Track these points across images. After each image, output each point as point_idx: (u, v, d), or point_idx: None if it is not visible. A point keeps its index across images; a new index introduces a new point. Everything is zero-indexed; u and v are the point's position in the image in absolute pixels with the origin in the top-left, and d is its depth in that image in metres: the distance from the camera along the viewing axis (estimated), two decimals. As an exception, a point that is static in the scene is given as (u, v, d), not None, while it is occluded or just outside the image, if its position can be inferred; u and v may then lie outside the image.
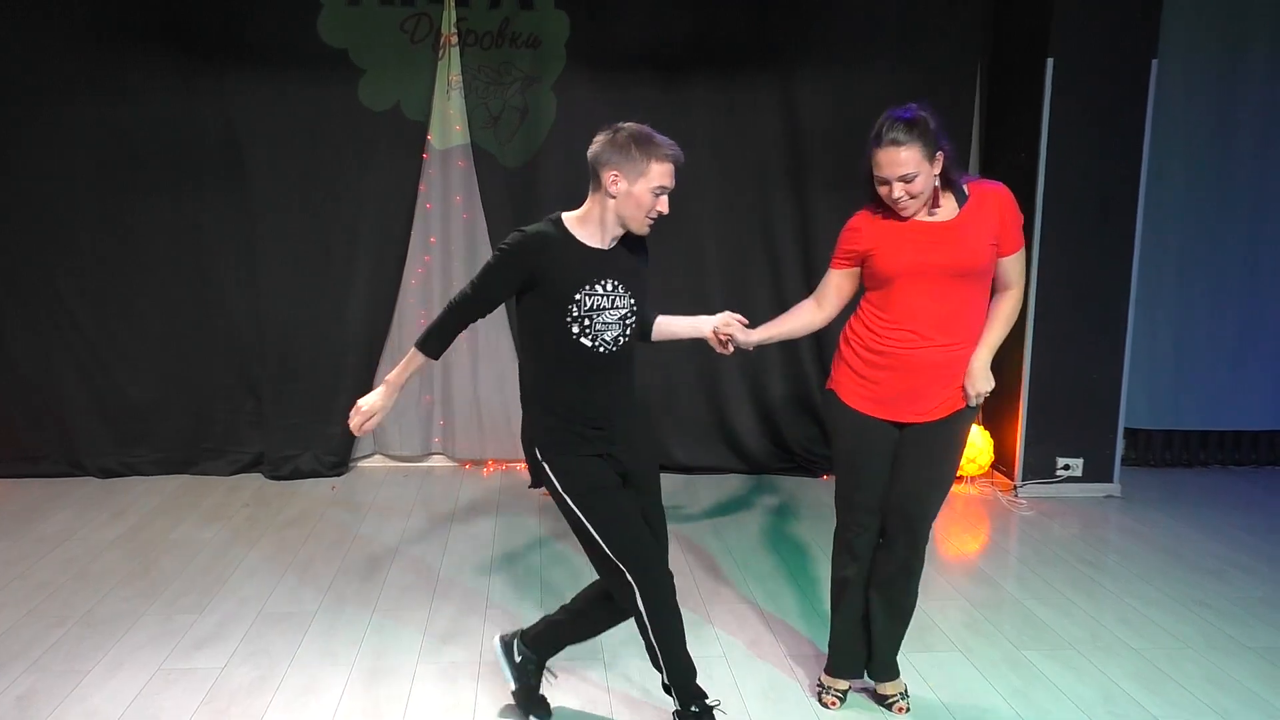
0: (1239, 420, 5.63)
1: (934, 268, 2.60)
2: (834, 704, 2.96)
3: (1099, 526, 4.68)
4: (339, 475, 5.30)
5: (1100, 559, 4.24)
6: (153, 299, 5.12)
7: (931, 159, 2.54)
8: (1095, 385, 5.02)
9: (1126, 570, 4.10)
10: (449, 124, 5.19)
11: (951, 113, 5.17)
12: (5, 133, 4.90)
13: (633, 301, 2.56)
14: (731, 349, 2.84)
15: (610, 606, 2.68)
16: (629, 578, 2.51)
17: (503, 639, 2.90)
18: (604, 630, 2.83)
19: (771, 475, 5.40)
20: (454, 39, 5.06)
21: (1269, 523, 4.72)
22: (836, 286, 2.83)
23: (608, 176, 2.44)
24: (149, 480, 5.14)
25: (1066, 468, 5.10)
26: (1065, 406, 4.99)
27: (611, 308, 2.51)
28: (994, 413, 5.22)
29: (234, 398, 5.26)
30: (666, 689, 2.67)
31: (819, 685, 3.01)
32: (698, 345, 2.95)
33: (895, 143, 2.50)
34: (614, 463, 2.59)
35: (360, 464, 5.51)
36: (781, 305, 5.38)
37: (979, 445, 5.14)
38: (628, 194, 2.44)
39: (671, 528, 4.78)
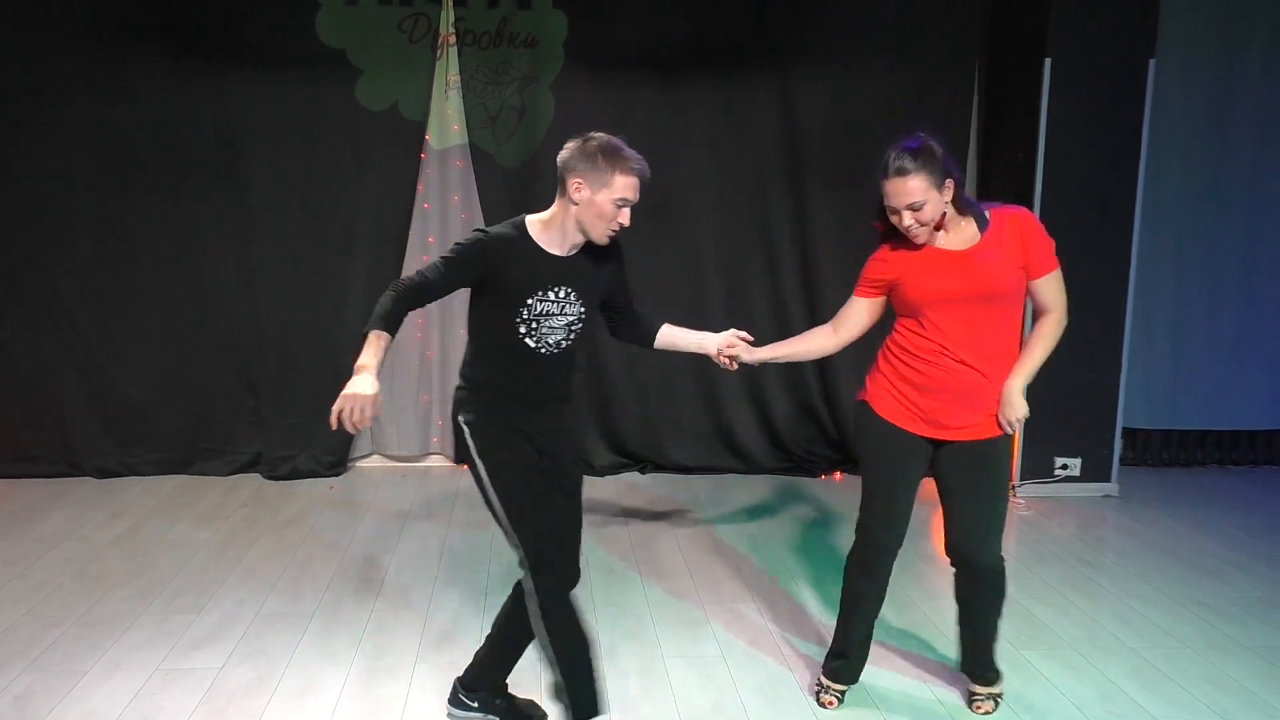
0: (1237, 420, 5.63)
1: (959, 294, 2.64)
2: (832, 704, 2.97)
3: (1097, 526, 4.68)
4: (337, 475, 5.30)
5: (1098, 559, 4.24)
6: (152, 299, 5.12)
7: (940, 186, 2.58)
8: (1093, 385, 5.01)
9: (1125, 570, 4.10)
10: (447, 124, 5.19)
11: (949, 113, 5.18)
12: (5, 133, 4.90)
13: (583, 310, 2.58)
14: (736, 366, 2.91)
15: (522, 614, 2.59)
16: (523, 553, 2.52)
17: (449, 701, 2.85)
18: (530, 639, 2.68)
19: (770, 475, 5.40)
20: (452, 39, 5.07)
21: (1267, 522, 4.72)
22: (857, 315, 2.86)
23: (572, 183, 2.45)
24: (147, 480, 5.13)
25: (1064, 467, 5.10)
26: (1063, 406, 4.98)
27: (560, 314, 2.54)
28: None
29: (232, 398, 5.25)
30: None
31: (817, 685, 3.01)
32: (697, 345, 2.97)
33: (902, 172, 2.55)
34: (536, 453, 2.61)
35: (358, 464, 5.51)
36: (779, 304, 5.40)
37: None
38: (590, 202, 2.45)
39: (671, 528, 4.75)
